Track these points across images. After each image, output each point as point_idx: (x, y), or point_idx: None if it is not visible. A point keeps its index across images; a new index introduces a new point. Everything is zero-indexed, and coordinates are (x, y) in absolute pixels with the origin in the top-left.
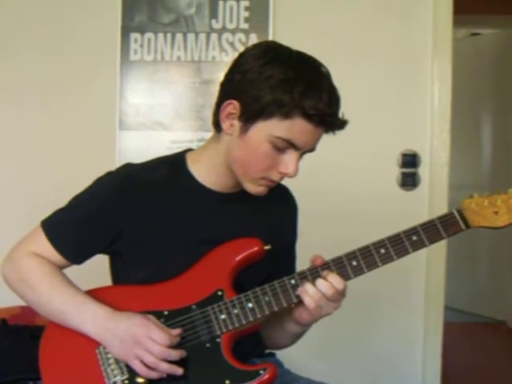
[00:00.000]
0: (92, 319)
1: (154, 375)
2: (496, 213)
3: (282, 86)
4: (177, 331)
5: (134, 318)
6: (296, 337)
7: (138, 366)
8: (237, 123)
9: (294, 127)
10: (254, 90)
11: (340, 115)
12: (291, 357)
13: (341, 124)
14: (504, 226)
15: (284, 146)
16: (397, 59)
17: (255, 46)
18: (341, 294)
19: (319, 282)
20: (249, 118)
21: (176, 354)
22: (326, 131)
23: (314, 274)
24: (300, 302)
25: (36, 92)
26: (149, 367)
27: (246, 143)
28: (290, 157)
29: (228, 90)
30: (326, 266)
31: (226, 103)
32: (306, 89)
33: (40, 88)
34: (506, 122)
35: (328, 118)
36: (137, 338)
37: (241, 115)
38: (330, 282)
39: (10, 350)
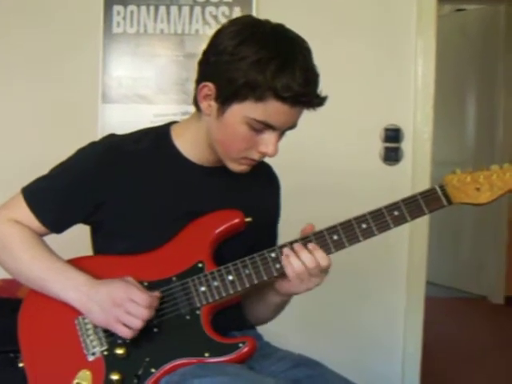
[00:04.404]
0: (73, 286)
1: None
2: (478, 189)
3: (255, 67)
4: (157, 294)
5: (114, 282)
6: (278, 307)
7: (120, 329)
8: (214, 104)
9: (269, 109)
10: (228, 72)
11: (318, 92)
12: (271, 330)
13: (319, 101)
14: (486, 202)
15: (261, 127)
16: (381, 34)
17: (232, 22)
18: (323, 271)
19: (304, 254)
20: (224, 100)
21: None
22: (306, 108)
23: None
24: (281, 275)
25: (18, 65)
26: (131, 329)
27: (224, 125)
28: (268, 137)
29: (204, 71)
30: (307, 238)
31: (201, 85)
32: (279, 68)
33: (22, 61)
34: (490, 99)
35: (302, 97)
36: (117, 300)
37: (217, 97)
38: (315, 257)
39: None
